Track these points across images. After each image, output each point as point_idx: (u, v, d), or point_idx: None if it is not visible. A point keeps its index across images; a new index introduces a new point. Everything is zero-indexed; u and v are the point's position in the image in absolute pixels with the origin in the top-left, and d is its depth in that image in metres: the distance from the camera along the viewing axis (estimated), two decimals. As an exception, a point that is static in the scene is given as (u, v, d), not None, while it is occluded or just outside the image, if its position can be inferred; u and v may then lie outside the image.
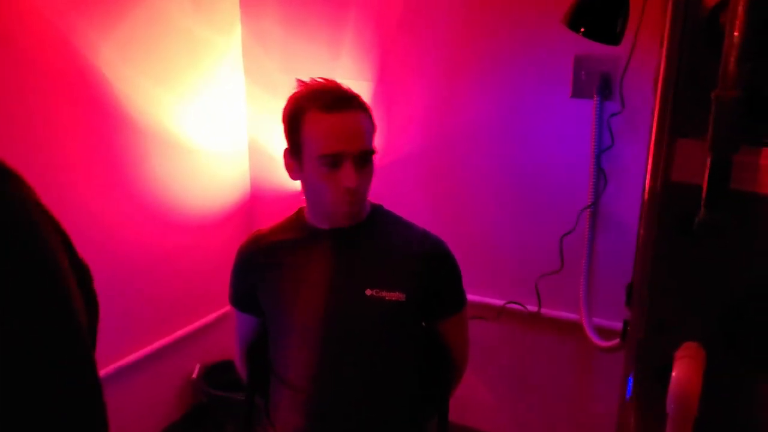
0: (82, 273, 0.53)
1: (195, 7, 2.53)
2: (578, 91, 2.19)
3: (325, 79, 1.50)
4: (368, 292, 1.49)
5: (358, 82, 2.43)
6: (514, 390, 2.56)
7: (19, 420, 0.45)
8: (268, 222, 1.69)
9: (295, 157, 1.50)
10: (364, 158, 1.44)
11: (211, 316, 2.80)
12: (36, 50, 1.99)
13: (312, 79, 1.49)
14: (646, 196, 1.08)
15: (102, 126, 2.23)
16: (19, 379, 0.45)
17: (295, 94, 1.49)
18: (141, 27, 2.31)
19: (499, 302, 2.43)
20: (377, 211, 1.62)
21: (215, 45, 2.68)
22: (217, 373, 2.73)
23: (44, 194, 0.58)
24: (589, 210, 2.23)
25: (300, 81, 1.50)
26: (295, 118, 1.46)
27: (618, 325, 2.08)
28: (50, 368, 0.47)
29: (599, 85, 2.13)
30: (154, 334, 2.56)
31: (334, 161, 1.41)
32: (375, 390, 1.53)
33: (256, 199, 2.95)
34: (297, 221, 1.61)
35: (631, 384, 1.14)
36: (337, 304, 1.50)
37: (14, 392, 0.44)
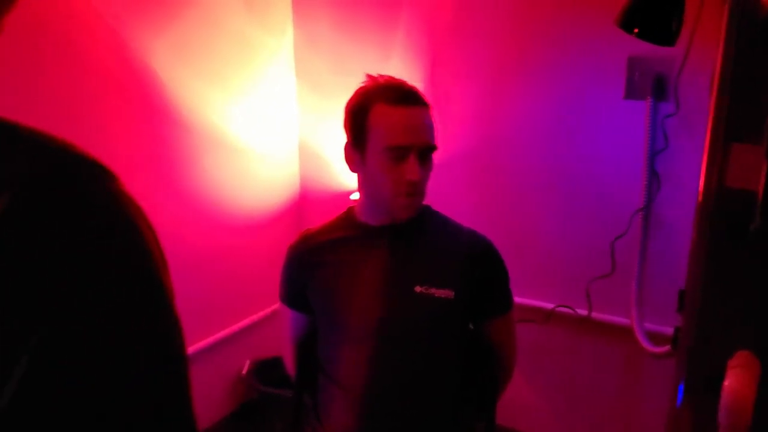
0: (165, 264, 0.54)
1: (248, 8, 2.58)
2: (631, 92, 2.16)
3: (390, 76, 1.53)
4: (418, 288, 1.50)
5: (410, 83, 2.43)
6: (561, 394, 2.53)
7: (118, 414, 0.45)
8: (316, 222, 1.71)
9: (357, 149, 1.51)
10: (426, 153, 1.47)
11: (262, 314, 2.84)
12: (92, 50, 2.05)
13: (379, 74, 1.52)
14: (699, 200, 1.06)
15: (155, 126, 2.29)
16: (116, 375, 0.46)
17: (362, 87, 1.51)
18: (194, 28, 2.36)
19: (548, 305, 2.41)
20: (426, 211, 1.63)
21: (267, 46, 2.72)
22: (267, 369, 2.77)
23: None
24: (641, 213, 2.18)
25: (368, 75, 1.52)
26: (361, 110, 1.48)
27: (670, 331, 2.05)
28: (153, 366, 0.48)
29: (653, 87, 2.09)
30: (205, 330, 2.61)
31: (399, 154, 1.44)
32: (422, 388, 1.54)
33: (306, 199, 2.98)
34: (347, 219, 1.63)
35: (681, 392, 1.12)
36: (386, 300, 1.52)
37: (114, 388, 0.45)
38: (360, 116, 1.48)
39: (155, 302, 0.49)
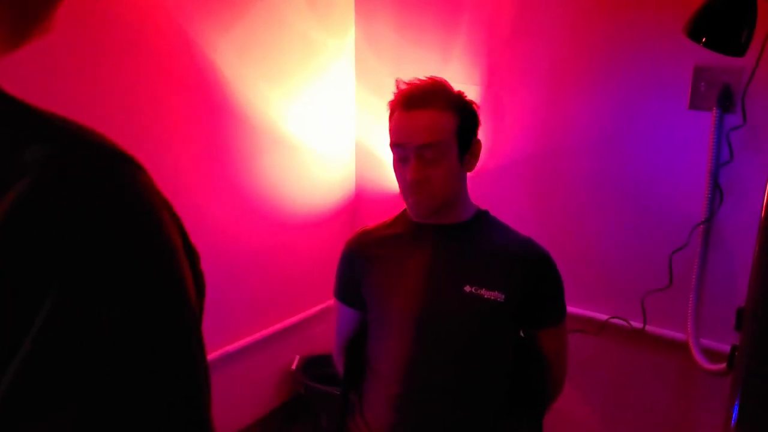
0: (193, 256, 0.55)
1: (311, 9, 2.61)
2: (696, 103, 2.11)
3: (430, 77, 1.55)
4: (467, 288, 1.51)
5: (467, 86, 2.43)
6: (611, 407, 2.49)
7: (128, 403, 0.46)
8: (371, 222, 1.73)
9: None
10: (431, 151, 1.47)
11: (313, 311, 2.88)
12: (158, 46, 2.11)
13: (415, 78, 1.55)
14: (763, 215, 1.03)
15: (217, 123, 2.34)
16: (128, 359, 0.46)
17: (394, 94, 1.57)
18: (259, 27, 2.41)
19: (602, 316, 2.37)
20: (483, 214, 1.64)
21: (328, 47, 2.75)
22: (316, 365, 2.80)
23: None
24: (702, 227, 2.13)
25: (398, 81, 1.57)
26: (389, 118, 1.56)
27: (726, 348, 1.99)
28: (160, 352, 0.48)
29: (719, 97, 2.04)
30: (259, 324, 2.66)
31: (402, 155, 1.50)
32: (464, 389, 1.54)
33: (361, 199, 3.00)
34: (401, 218, 1.67)
35: (736, 412, 1.09)
36: (434, 297, 1.52)
37: (123, 371, 0.46)
38: (388, 123, 1.56)
39: (168, 293, 0.50)
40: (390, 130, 1.54)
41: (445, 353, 1.53)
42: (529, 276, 1.54)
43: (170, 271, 0.50)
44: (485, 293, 1.50)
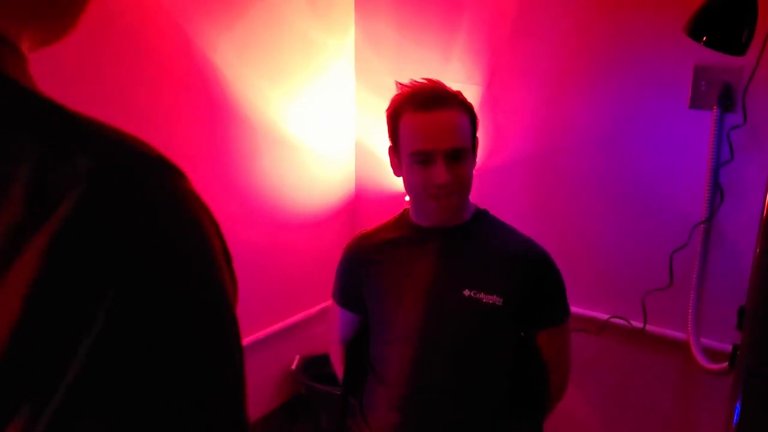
0: (229, 260, 0.55)
1: (311, 8, 2.61)
2: (697, 102, 2.10)
3: (428, 79, 1.53)
4: (466, 292, 1.50)
5: (468, 86, 2.43)
6: (611, 407, 2.49)
7: (177, 415, 0.46)
8: (371, 223, 1.73)
9: (396, 154, 1.56)
10: (456, 155, 1.45)
11: (313, 311, 2.87)
12: (158, 45, 2.10)
13: (412, 80, 1.53)
14: (764, 214, 1.03)
15: (216, 122, 2.34)
16: (178, 369, 0.46)
17: (396, 95, 1.54)
18: (258, 27, 2.41)
19: (603, 316, 2.37)
20: (482, 214, 1.63)
21: (328, 46, 2.75)
22: (316, 365, 2.80)
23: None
24: (702, 226, 2.13)
25: (398, 83, 1.54)
26: (394, 118, 1.52)
27: (727, 347, 1.99)
28: (208, 364, 0.49)
29: (720, 97, 2.04)
30: (258, 324, 2.65)
31: (425, 158, 1.45)
32: (465, 392, 1.53)
33: (360, 199, 3.00)
34: (401, 220, 1.65)
35: (738, 412, 1.09)
36: (434, 301, 1.52)
37: (174, 381, 0.46)
38: (393, 124, 1.52)
39: (212, 300, 0.50)
40: (407, 136, 1.47)
41: (445, 355, 1.53)
42: (529, 276, 1.53)
43: (213, 281, 0.50)
44: (484, 297, 1.49)
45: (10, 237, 0.43)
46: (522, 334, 1.61)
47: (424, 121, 1.45)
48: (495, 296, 1.49)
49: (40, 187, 0.44)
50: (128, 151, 0.49)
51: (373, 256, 1.62)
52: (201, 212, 0.50)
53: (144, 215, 0.46)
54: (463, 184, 1.49)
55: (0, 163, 0.44)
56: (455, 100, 1.49)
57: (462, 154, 1.46)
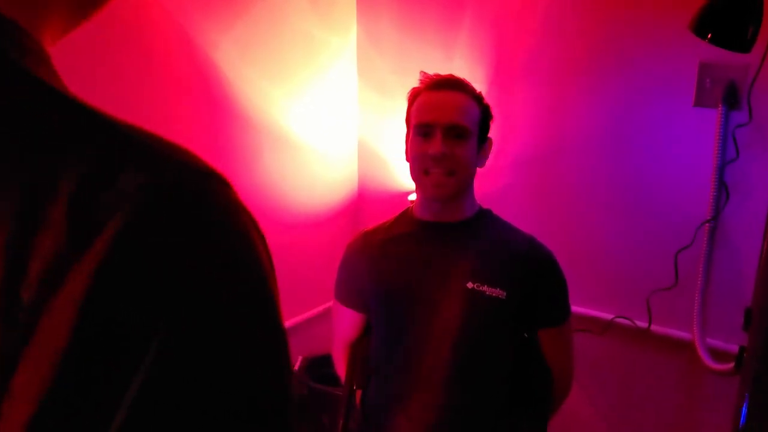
0: (273, 268, 0.53)
1: (313, 7, 2.60)
2: (702, 100, 2.08)
3: (451, 75, 1.59)
4: (469, 285, 1.50)
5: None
6: (616, 407, 2.47)
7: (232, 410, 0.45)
8: (374, 222, 1.72)
9: (407, 137, 1.60)
10: (456, 133, 1.50)
11: (316, 311, 2.86)
12: (158, 45, 2.09)
13: (436, 73, 1.59)
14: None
15: (218, 122, 2.33)
16: (235, 395, 0.45)
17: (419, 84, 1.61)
18: (260, 26, 2.40)
19: (607, 316, 2.35)
20: (486, 212, 1.64)
21: (330, 45, 2.73)
22: (318, 366, 2.79)
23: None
24: (708, 225, 2.11)
25: (423, 73, 1.60)
26: (410, 102, 1.59)
27: (733, 347, 1.98)
28: (265, 390, 0.48)
29: (725, 94, 2.02)
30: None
31: (426, 131, 1.51)
32: (467, 386, 1.53)
33: (363, 198, 2.99)
34: (404, 216, 1.66)
35: (745, 413, 1.08)
36: (436, 293, 1.52)
37: (232, 407, 0.44)
38: (409, 106, 1.59)
39: (265, 316, 0.49)
40: (414, 110, 1.55)
41: (447, 351, 1.52)
42: (531, 274, 1.53)
43: (267, 297, 0.50)
44: (487, 290, 1.50)
45: (53, 264, 0.40)
46: (525, 335, 1.61)
47: (431, 97, 1.53)
48: (498, 289, 1.50)
49: (84, 208, 0.41)
50: (177, 164, 0.46)
51: (375, 253, 1.62)
52: (250, 225, 0.49)
53: (198, 235, 0.44)
54: (459, 164, 1.50)
55: (39, 183, 0.41)
56: (467, 88, 1.56)
57: (462, 132, 1.50)
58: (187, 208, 0.44)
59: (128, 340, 0.41)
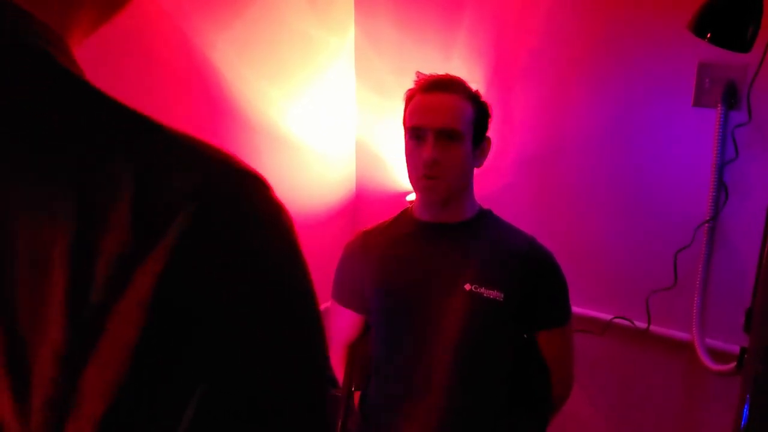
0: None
1: (311, 7, 2.59)
2: (701, 100, 2.08)
3: (449, 74, 1.58)
4: (467, 286, 1.50)
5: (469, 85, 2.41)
6: (615, 408, 2.47)
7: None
8: (372, 223, 1.71)
9: (405, 138, 1.59)
10: (448, 137, 1.48)
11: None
12: (155, 45, 2.08)
13: (435, 73, 1.58)
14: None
15: (215, 122, 2.31)
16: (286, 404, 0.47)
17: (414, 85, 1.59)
18: (257, 25, 2.39)
19: (606, 316, 2.34)
20: (486, 213, 1.64)
21: (329, 45, 2.72)
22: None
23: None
24: (707, 225, 2.11)
25: (418, 73, 1.59)
26: (406, 103, 1.58)
27: (733, 348, 1.97)
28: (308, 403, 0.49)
29: (724, 94, 2.01)
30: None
31: (418, 134, 1.50)
32: (466, 387, 1.52)
33: (361, 199, 2.98)
34: (403, 216, 1.66)
35: (746, 415, 1.07)
36: (434, 295, 1.52)
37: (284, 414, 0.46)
38: (404, 109, 1.58)
39: (314, 325, 0.51)
40: (408, 113, 1.54)
41: (445, 352, 1.51)
42: (530, 275, 1.53)
43: (313, 302, 0.51)
44: (485, 292, 1.49)
45: (118, 266, 0.41)
46: (525, 336, 1.60)
47: (424, 100, 1.51)
48: (496, 291, 1.49)
49: (146, 209, 0.41)
50: (223, 164, 0.47)
51: (374, 253, 1.61)
52: (290, 223, 0.50)
53: (252, 232, 0.46)
54: (450, 168, 1.49)
55: (96, 182, 0.42)
56: (461, 88, 1.54)
57: (453, 135, 1.48)
58: (242, 208, 0.46)
59: (193, 338, 0.42)
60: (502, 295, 1.48)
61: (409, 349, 1.53)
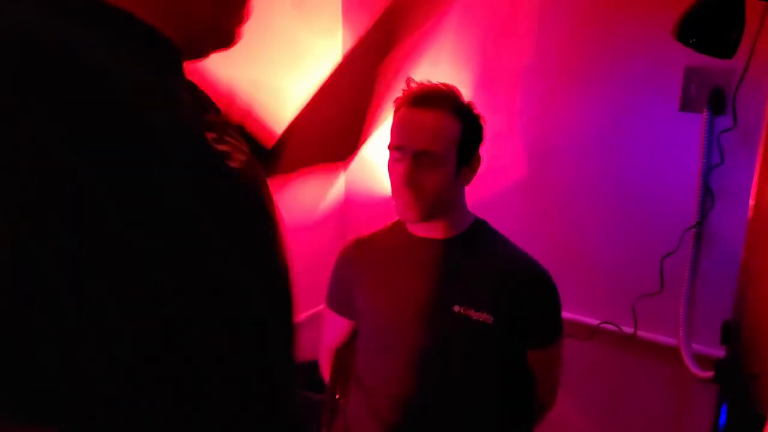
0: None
1: (297, 9, 2.58)
2: (687, 105, 2.08)
3: (443, 83, 1.49)
4: (456, 308, 1.45)
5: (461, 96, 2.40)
6: (602, 413, 2.46)
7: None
8: (361, 228, 1.71)
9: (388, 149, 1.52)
10: (428, 158, 1.40)
11: (301, 317, 2.82)
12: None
13: (428, 80, 1.49)
14: (749, 217, 1.00)
15: (204, 127, 2.30)
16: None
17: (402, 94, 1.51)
18: (245, 29, 2.37)
19: (593, 321, 2.34)
20: (480, 225, 1.57)
21: (316, 48, 2.71)
22: (305, 372, 2.77)
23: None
24: (693, 230, 2.10)
25: (409, 79, 1.50)
26: (394, 113, 1.49)
27: (719, 353, 1.96)
28: None
29: (710, 99, 2.01)
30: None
31: (398, 155, 1.43)
32: (451, 410, 1.50)
33: (350, 203, 2.97)
34: (396, 227, 1.61)
35: (723, 425, 1.06)
36: (423, 315, 1.48)
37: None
38: (392, 121, 1.49)
39: None
40: (392, 127, 1.46)
41: (430, 370, 1.49)
42: (522, 296, 1.47)
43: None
44: (473, 314, 1.44)
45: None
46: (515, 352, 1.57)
47: (406, 116, 1.43)
48: (485, 314, 1.44)
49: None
50: None
51: (366, 263, 1.59)
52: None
53: None
54: (426, 190, 1.42)
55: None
56: (450, 102, 1.43)
57: (431, 160, 1.40)
58: None
59: None
60: (492, 318, 1.43)
61: (392, 364, 1.49)
